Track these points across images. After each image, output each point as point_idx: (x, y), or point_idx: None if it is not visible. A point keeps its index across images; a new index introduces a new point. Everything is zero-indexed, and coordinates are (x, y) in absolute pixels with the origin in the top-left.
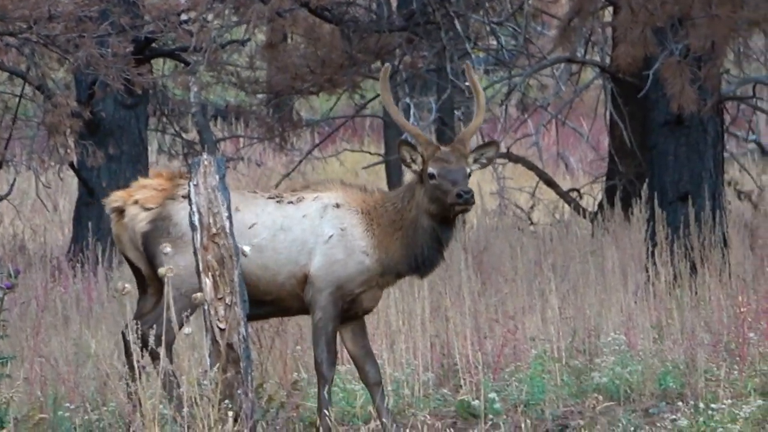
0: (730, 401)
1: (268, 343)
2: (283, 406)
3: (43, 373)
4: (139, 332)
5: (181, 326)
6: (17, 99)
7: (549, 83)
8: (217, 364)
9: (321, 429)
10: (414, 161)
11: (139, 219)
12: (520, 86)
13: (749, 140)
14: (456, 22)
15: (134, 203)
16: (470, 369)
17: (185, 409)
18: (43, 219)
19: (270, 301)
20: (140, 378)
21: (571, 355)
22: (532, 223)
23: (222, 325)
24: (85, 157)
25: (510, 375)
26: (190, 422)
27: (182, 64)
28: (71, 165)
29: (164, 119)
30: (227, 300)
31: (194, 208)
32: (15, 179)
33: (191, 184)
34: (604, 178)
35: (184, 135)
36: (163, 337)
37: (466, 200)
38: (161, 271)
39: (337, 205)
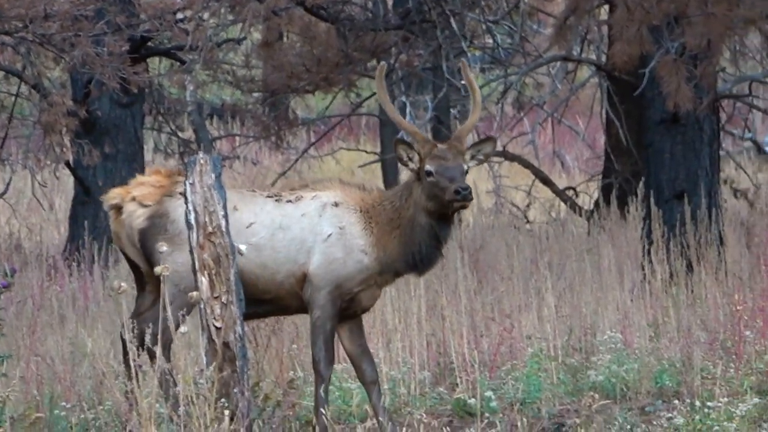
0: (726, 399)
1: (265, 341)
2: (279, 404)
3: (39, 372)
4: (136, 331)
5: (179, 325)
6: (13, 98)
7: (545, 81)
8: (214, 363)
9: (317, 427)
10: (411, 159)
11: (136, 216)
12: (516, 85)
13: (745, 138)
14: (452, 20)
15: (132, 200)
16: (466, 367)
17: (181, 408)
18: (39, 218)
19: (269, 299)
20: (137, 377)
21: (568, 353)
22: (528, 222)
23: (218, 324)
24: (81, 156)
25: (506, 373)
26: (187, 421)
27: (178, 63)
28: (67, 164)
29: (160, 118)
30: (223, 299)
31: (190, 207)
32: (11, 178)
33: (187, 182)
34: (600, 177)
35: (180, 134)
36: (159, 337)
37: (464, 196)
38: (157, 269)
39: (336, 204)
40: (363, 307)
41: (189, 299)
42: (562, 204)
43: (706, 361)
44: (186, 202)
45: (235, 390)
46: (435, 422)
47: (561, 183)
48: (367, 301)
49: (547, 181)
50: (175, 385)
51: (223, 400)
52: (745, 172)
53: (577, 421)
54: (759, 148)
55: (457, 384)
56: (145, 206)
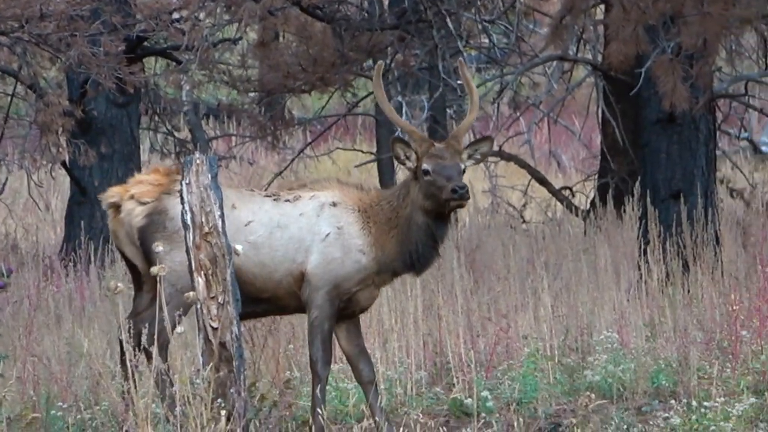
0: (722, 399)
1: (261, 341)
2: (275, 404)
3: (35, 373)
4: (132, 331)
5: (175, 324)
6: (9, 98)
7: (541, 81)
8: (210, 363)
9: (314, 428)
10: (408, 158)
11: (135, 214)
12: (512, 84)
13: (741, 138)
14: (448, 20)
15: (130, 198)
16: (463, 367)
17: (178, 408)
18: (35, 218)
19: (267, 298)
20: (133, 377)
21: (564, 353)
22: (524, 222)
23: (214, 324)
24: (77, 156)
25: (502, 373)
26: (183, 421)
27: (174, 63)
28: (63, 164)
29: (156, 118)
30: (220, 299)
31: (187, 207)
32: (7, 178)
33: (183, 182)
34: (597, 176)
35: (176, 134)
36: (156, 337)
37: (461, 195)
38: (154, 270)
39: (334, 204)
40: (361, 307)
41: (185, 299)
42: (559, 204)
43: (702, 361)
44: (182, 202)
45: (231, 390)
46: (431, 422)
47: (557, 183)
48: (365, 301)
49: (543, 181)
50: (172, 385)
51: (219, 400)
52: (741, 172)
53: (574, 421)
54: (755, 148)
55: (453, 384)
56: (144, 204)
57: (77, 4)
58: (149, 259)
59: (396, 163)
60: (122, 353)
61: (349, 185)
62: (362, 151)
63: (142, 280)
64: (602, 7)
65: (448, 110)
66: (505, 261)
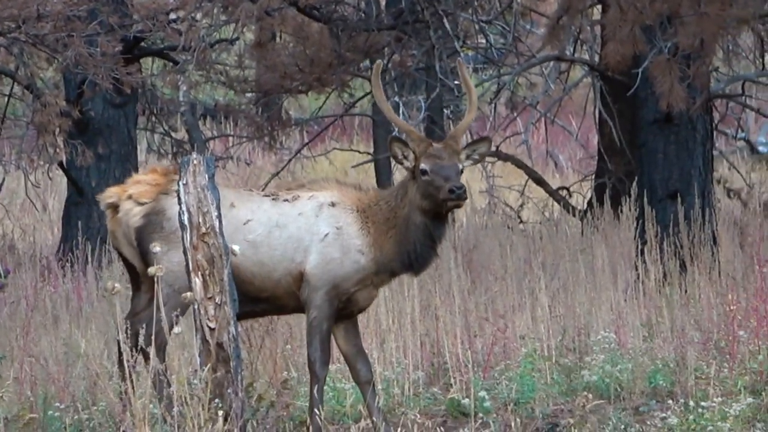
0: (720, 399)
1: (258, 342)
2: (273, 405)
3: (32, 373)
4: (129, 332)
5: (173, 325)
6: (6, 98)
7: (538, 81)
8: (207, 364)
9: (311, 428)
10: (406, 158)
11: (132, 214)
12: (509, 84)
13: (738, 138)
14: (445, 20)
15: (128, 198)
16: (460, 367)
17: (175, 409)
18: (32, 218)
19: (266, 298)
20: (130, 377)
21: (561, 353)
22: (521, 222)
23: (212, 325)
24: (75, 157)
25: (500, 373)
26: (180, 422)
27: (171, 63)
28: (60, 164)
29: (153, 118)
30: (217, 299)
31: (184, 208)
32: (4, 179)
33: (180, 183)
34: (594, 177)
35: (173, 134)
36: (153, 337)
37: (458, 195)
38: (151, 270)
39: (333, 204)
40: (360, 307)
41: (183, 300)
42: (556, 204)
43: (699, 361)
44: (179, 203)
45: (228, 390)
46: (429, 422)
47: (554, 183)
48: (363, 302)
49: (540, 181)
50: (169, 385)
51: (216, 400)
52: (738, 172)
53: (571, 421)
54: (752, 148)
55: (450, 384)
56: (142, 204)
57: (74, 5)
58: (146, 259)
59: (393, 163)
60: (120, 354)
61: (347, 185)
62: (359, 152)
63: (140, 280)
64: (599, 7)
65: (445, 111)
66: (503, 261)
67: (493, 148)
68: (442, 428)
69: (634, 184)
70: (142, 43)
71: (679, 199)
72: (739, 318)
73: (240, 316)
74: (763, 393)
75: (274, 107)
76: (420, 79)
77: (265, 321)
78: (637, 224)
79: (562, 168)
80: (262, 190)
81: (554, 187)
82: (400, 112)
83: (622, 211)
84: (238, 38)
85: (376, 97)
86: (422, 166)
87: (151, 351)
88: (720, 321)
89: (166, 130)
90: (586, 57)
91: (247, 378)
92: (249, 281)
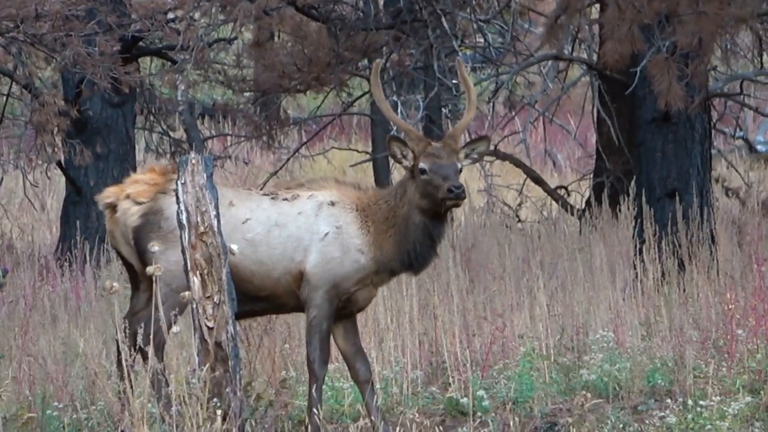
0: (718, 398)
1: (257, 341)
2: (271, 404)
3: (31, 372)
4: (128, 331)
5: (171, 324)
6: (4, 98)
7: (536, 81)
8: (206, 363)
9: (310, 427)
10: (404, 157)
11: (130, 213)
12: (507, 84)
13: (737, 137)
14: (443, 19)
15: (126, 198)
16: (459, 367)
17: (174, 408)
18: (30, 218)
19: (265, 297)
20: (129, 377)
21: (560, 352)
22: (519, 221)
23: (210, 324)
24: (73, 156)
25: (498, 372)
26: (179, 421)
27: (169, 63)
28: (59, 164)
29: (151, 118)
30: (215, 298)
31: (182, 207)
32: (2, 178)
33: (179, 182)
34: (592, 176)
35: (171, 133)
36: (151, 337)
37: (457, 195)
38: (149, 269)
39: (332, 203)
40: (359, 306)
41: (181, 299)
42: (554, 203)
43: (698, 360)
44: (178, 202)
45: (227, 390)
46: (427, 421)
47: (552, 182)
48: (363, 301)
49: (538, 180)
50: (168, 384)
51: (215, 399)
52: (737, 171)
53: (570, 420)
54: (750, 147)
55: (449, 383)
56: (140, 203)
57: (72, 4)
58: (145, 258)
59: (392, 162)
60: (118, 353)
61: (346, 184)
62: (357, 151)
63: (138, 280)
64: (597, 6)
65: (443, 110)
66: (501, 260)
67: (492, 147)
68: (440, 427)
69: (633, 183)
70: (141, 43)
71: (677, 198)
72: (738, 317)
73: (239, 315)
74: (762, 392)
75: (273, 106)
76: (418, 78)
77: (263, 320)
78: (636, 223)
79: (560, 167)
80: (261, 189)
81: (552, 186)
82: (399, 111)
83: (620, 210)
84: (236, 38)
85: (375, 97)
86: (421, 165)
87: (150, 350)
88: (718, 320)
89: (165, 129)
90: (585, 56)
91: (246, 377)
92: (248, 280)
